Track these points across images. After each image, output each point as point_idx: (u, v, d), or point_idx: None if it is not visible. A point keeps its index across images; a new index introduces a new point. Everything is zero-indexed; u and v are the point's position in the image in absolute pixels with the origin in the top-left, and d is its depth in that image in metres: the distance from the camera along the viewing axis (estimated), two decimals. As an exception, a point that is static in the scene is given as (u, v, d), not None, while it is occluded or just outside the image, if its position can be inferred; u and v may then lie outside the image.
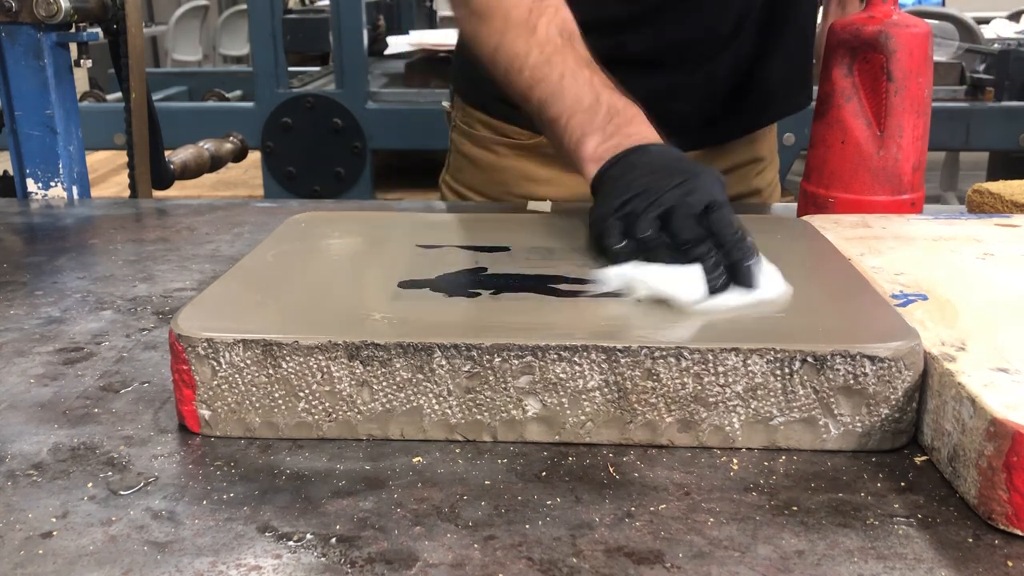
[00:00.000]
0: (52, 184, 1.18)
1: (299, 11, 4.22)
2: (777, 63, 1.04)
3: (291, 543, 0.43)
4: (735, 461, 0.51)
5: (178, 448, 0.52)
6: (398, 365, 0.52)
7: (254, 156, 2.74)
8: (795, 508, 0.46)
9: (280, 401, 0.53)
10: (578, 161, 0.73)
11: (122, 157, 1.39)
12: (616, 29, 0.96)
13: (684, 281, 0.58)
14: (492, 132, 1.06)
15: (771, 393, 0.51)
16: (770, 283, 0.59)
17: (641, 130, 0.72)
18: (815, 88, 1.17)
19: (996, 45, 3.22)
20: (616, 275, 0.61)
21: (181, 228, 0.99)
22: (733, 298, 0.58)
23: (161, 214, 1.07)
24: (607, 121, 0.73)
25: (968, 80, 2.86)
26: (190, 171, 1.60)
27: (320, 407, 0.53)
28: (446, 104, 1.19)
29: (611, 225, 0.65)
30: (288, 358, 0.52)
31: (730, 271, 0.59)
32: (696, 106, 1.01)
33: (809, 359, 0.50)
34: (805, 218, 0.80)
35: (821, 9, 1.16)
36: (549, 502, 0.47)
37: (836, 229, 0.75)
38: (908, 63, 0.81)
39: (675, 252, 0.61)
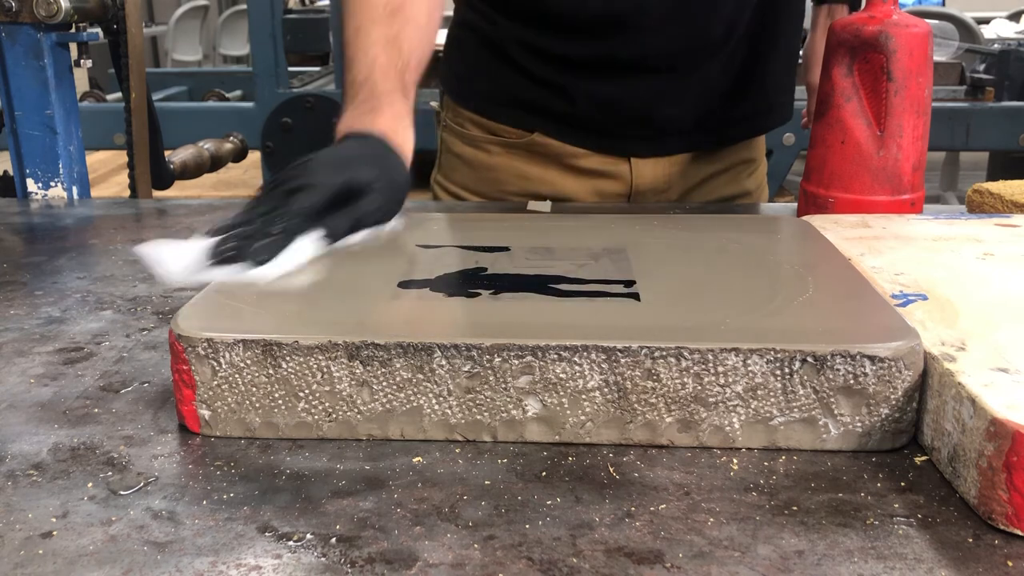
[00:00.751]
0: (52, 184, 1.18)
1: (299, 11, 4.22)
2: (768, 71, 1.04)
3: (291, 543, 0.43)
4: (735, 461, 0.51)
5: (178, 448, 0.52)
6: (398, 365, 0.52)
7: (254, 156, 2.74)
8: (795, 508, 0.46)
9: (280, 401, 0.53)
10: (337, 125, 0.79)
11: (122, 157, 1.39)
12: (607, 35, 0.96)
13: (174, 256, 0.62)
14: (483, 131, 1.06)
15: (771, 393, 0.51)
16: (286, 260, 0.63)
17: (378, 121, 0.76)
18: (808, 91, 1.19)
19: (996, 45, 3.23)
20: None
21: (181, 228, 0.99)
22: (224, 272, 0.61)
23: (161, 214, 1.07)
24: (363, 103, 0.78)
25: (968, 80, 2.87)
26: (190, 171, 1.61)
27: (320, 407, 0.53)
28: (434, 104, 1.19)
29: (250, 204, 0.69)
30: (288, 358, 0.52)
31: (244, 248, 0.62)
32: (689, 111, 1.01)
33: (809, 359, 0.50)
34: (805, 218, 0.80)
35: (811, 19, 1.16)
36: (549, 502, 0.47)
37: (836, 229, 0.75)
38: (908, 63, 0.81)
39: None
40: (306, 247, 0.64)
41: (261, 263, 0.62)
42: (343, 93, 0.81)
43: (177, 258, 0.62)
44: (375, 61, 0.79)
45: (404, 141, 0.76)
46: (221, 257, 0.62)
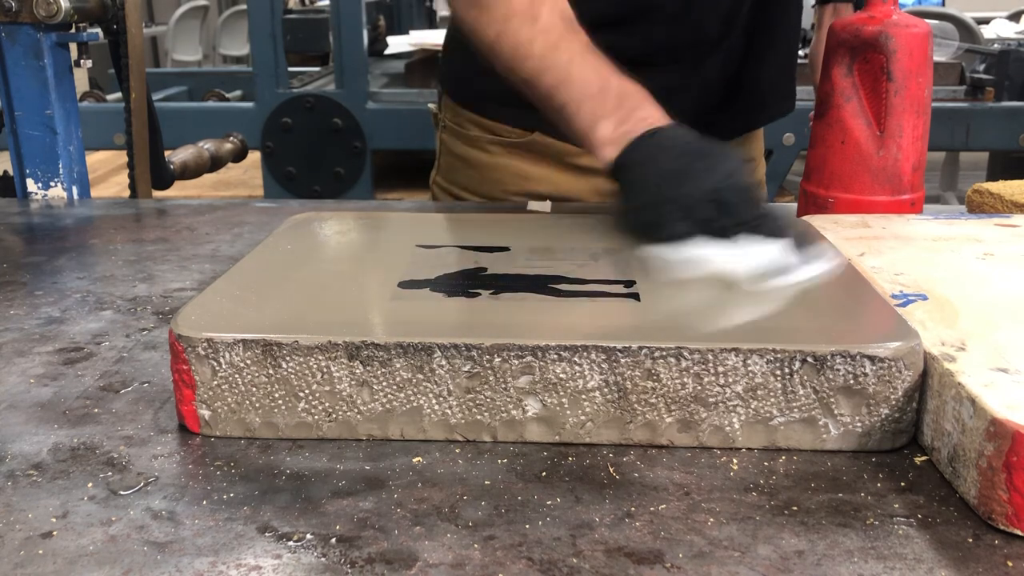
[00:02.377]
0: (52, 184, 1.18)
1: (299, 11, 4.22)
2: (767, 66, 1.04)
3: (291, 543, 0.43)
4: (735, 461, 0.51)
5: (178, 448, 0.52)
6: (398, 365, 0.52)
7: (254, 156, 2.74)
8: (795, 508, 0.46)
9: (280, 401, 0.53)
10: (592, 146, 0.74)
11: (122, 157, 1.39)
12: (606, 29, 0.96)
13: (768, 256, 0.62)
14: (483, 131, 1.06)
15: (771, 393, 0.51)
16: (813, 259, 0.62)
17: (652, 113, 0.73)
18: (807, 88, 1.19)
19: (996, 45, 3.23)
20: (687, 258, 0.63)
21: (181, 228, 0.99)
22: (793, 276, 0.61)
23: (161, 214, 1.07)
24: (618, 105, 0.73)
25: (968, 80, 2.86)
26: (190, 171, 1.60)
27: (320, 407, 0.53)
28: (432, 106, 1.19)
29: (668, 211, 0.66)
30: (288, 358, 0.52)
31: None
32: (688, 107, 1.01)
33: (809, 359, 0.50)
34: (805, 218, 0.80)
35: (815, 19, 1.16)
36: (549, 502, 0.47)
37: (836, 229, 0.75)
38: (908, 63, 0.81)
39: (733, 231, 0.63)
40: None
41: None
42: (569, 120, 0.77)
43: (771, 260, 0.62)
44: (598, 69, 0.76)
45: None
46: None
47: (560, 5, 0.80)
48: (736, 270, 0.61)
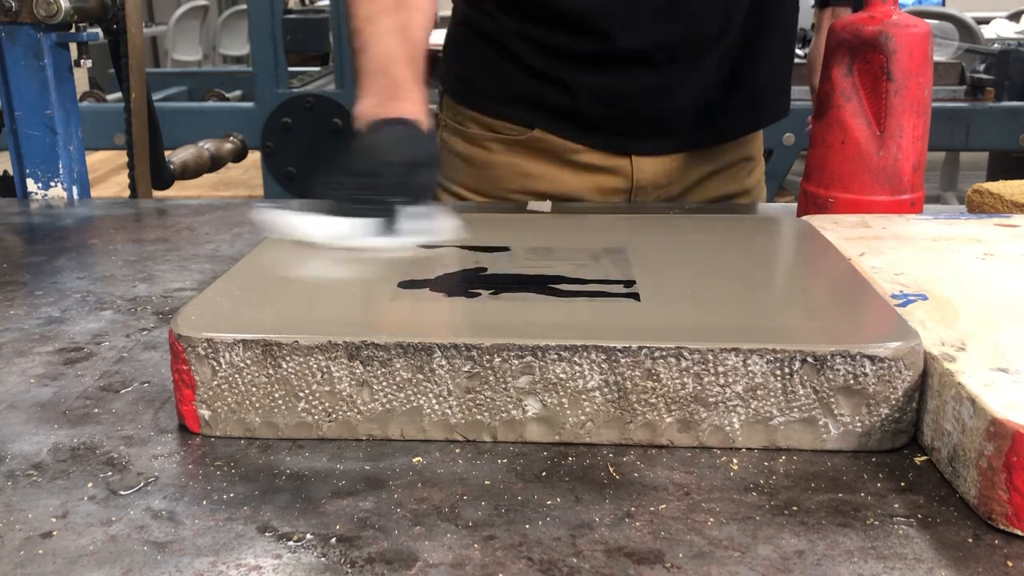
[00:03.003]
0: (52, 184, 1.18)
1: (299, 11, 4.23)
2: (764, 65, 1.04)
3: (291, 543, 0.43)
4: (735, 461, 0.51)
5: (178, 448, 0.52)
6: (398, 365, 0.52)
7: (254, 156, 2.74)
8: (795, 508, 0.46)
9: (280, 401, 0.53)
10: (354, 114, 0.82)
11: (122, 157, 1.39)
12: (605, 28, 0.96)
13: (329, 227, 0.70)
14: (483, 128, 1.07)
15: (771, 393, 0.51)
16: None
17: (405, 108, 0.80)
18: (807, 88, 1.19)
19: (996, 45, 3.23)
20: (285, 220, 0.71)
21: (181, 228, 0.99)
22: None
23: (161, 214, 1.07)
24: (384, 89, 0.81)
25: (968, 80, 2.87)
26: (190, 171, 1.61)
27: (320, 407, 0.53)
28: (432, 106, 1.19)
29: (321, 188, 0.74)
30: (288, 358, 0.52)
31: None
32: (687, 105, 1.01)
33: (809, 359, 0.50)
34: (805, 218, 0.80)
35: (815, 20, 1.16)
36: (549, 502, 0.47)
37: (836, 229, 0.75)
38: (908, 63, 0.81)
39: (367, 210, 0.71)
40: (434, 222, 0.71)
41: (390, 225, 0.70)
42: (357, 82, 0.84)
43: (307, 224, 0.70)
44: (390, 51, 0.82)
45: (424, 122, 0.80)
46: (360, 209, 0.70)
47: None
48: (316, 233, 0.69)
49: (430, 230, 0.72)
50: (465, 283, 0.62)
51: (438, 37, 1.11)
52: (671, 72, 0.99)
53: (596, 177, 1.05)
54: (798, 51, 2.42)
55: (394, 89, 0.81)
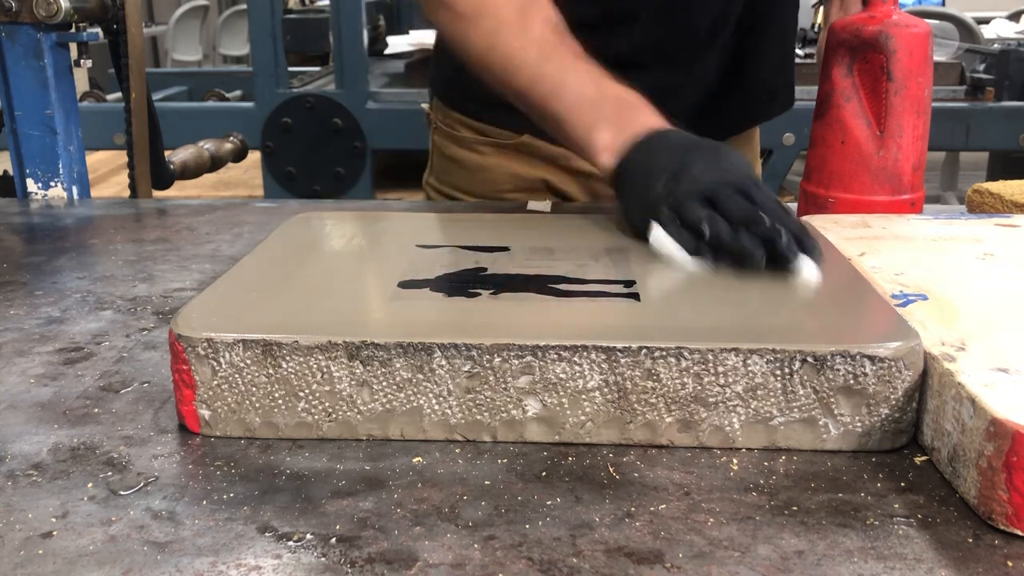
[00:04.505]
0: (52, 184, 1.18)
1: (299, 11, 4.23)
2: (761, 64, 1.04)
3: (291, 543, 0.43)
4: (735, 461, 0.51)
5: (178, 448, 0.52)
6: (398, 365, 0.52)
7: (254, 156, 2.74)
8: (795, 508, 0.46)
9: (280, 401, 0.53)
10: (591, 153, 0.74)
11: (122, 157, 1.39)
12: (597, 30, 0.96)
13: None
14: (473, 132, 1.06)
15: (771, 393, 0.51)
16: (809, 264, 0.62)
17: (650, 118, 0.72)
18: (809, 88, 1.18)
19: (996, 45, 3.23)
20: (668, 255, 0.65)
21: (181, 228, 0.99)
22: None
23: (161, 214, 1.07)
24: (616, 112, 0.73)
25: (968, 80, 2.87)
26: (190, 171, 1.60)
27: (320, 407, 0.53)
28: (425, 106, 1.19)
29: (659, 209, 0.66)
30: (288, 358, 0.52)
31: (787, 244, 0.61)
32: (681, 107, 1.01)
33: (809, 359, 0.50)
34: (805, 218, 0.80)
35: (820, 19, 1.16)
36: (549, 502, 0.47)
37: (836, 229, 0.75)
38: (908, 63, 0.81)
39: (727, 232, 0.63)
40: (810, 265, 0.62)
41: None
42: (564, 131, 0.76)
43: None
44: (591, 74, 0.76)
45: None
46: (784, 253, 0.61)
47: (549, 14, 0.79)
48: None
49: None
50: (465, 283, 0.62)
51: (429, 38, 1.10)
52: (665, 73, 0.99)
53: (589, 182, 1.04)
54: (798, 51, 2.42)
55: (627, 109, 0.73)
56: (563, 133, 0.77)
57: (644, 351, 0.50)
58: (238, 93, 3.50)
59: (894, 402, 0.50)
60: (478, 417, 0.52)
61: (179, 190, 1.75)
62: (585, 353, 0.51)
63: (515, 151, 1.04)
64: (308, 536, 0.44)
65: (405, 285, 0.61)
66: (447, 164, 1.11)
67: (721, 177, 0.65)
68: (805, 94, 1.17)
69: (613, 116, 0.73)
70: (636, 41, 0.96)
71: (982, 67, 2.90)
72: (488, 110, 1.04)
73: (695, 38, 0.98)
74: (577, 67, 0.76)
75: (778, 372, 0.50)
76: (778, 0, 1.03)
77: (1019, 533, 0.43)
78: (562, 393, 0.51)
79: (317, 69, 3.60)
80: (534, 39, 0.77)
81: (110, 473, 0.49)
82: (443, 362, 0.51)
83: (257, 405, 0.53)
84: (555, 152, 1.03)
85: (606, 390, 0.51)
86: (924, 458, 0.50)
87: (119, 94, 1.50)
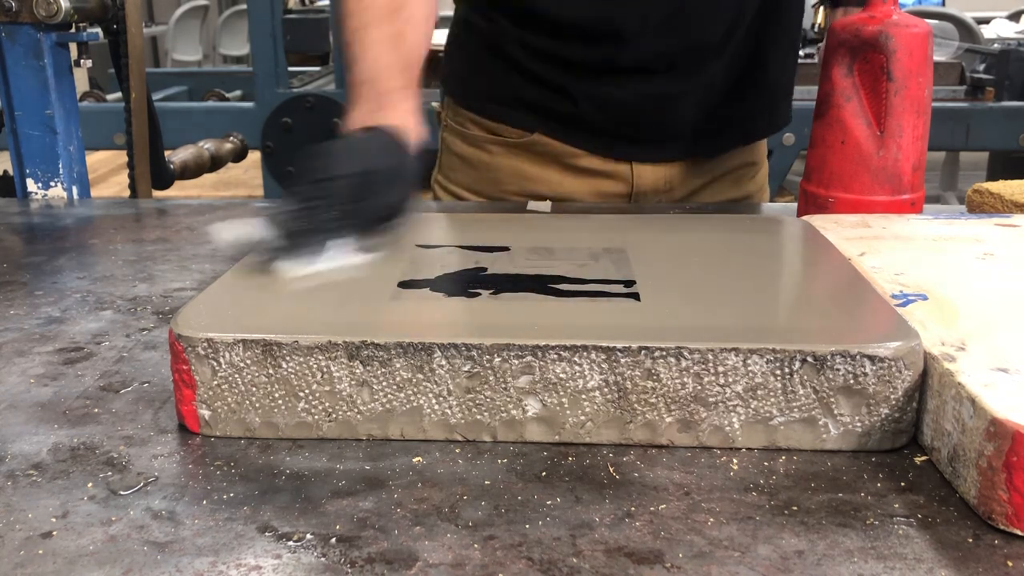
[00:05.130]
0: (52, 184, 1.18)
1: (299, 11, 4.23)
2: (770, 72, 1.04)
3: (291, 543, 0.43)
4: (735, 461, 0.51)
5: (178, 448, 0.52)
6: (398, 365, 0.52)
7: (254, 156, 2.74)
8: (795, 508, 0.46)
9: (280, 401, 0.53)
10: (343, 123, 0.79)
11: (122, 157, 1.39)
12: (606, 40, 0.96)
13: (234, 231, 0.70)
14: (483, 131, 1.06)
15: (771, 393, 0.51)
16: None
17: (390, 115, 0.77)
18: (809, 88, 1.18)
19: (996, 45, 3.23)
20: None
21: (181, 228, 0.99)
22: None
23: (161, 214, 1.07)
24: (371, 98, 0.79)
25: (968, 80, 2.87)
26: (190, 171, 1.61)
27: (320, 407, 0.53)
28: (435, 104, 1.19)
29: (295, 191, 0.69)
30: (288, 358, 0.52)
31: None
32: (689, 113, 1.01)
33: (809, 359, 0.50)
34: (805, 218, 0.80)
35: (821, 13, 1.16)
36: (549, 502, 0.47)
37: (836, 229, 0.75)
38: (908, 63, 0.81)
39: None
40: (344, 253, 0.66)
41: (301, 259, 0.64)
42: (347, 94, 0.82)
43: (234, 231, 0.70)
44: (378, 60, 0.80)
45: (415, 135, 0.77)
46: (268, 253, 0.65)
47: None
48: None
49: (334, 259, 0.66)
50: (465, 283, 0.62)
51: (440, 37, 1.10)
52: (673, 80, 0.99)
53: (596, 181, 1.04)
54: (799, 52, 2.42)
55: (381, 99, 0.79)
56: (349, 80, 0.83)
57: (644, 351, 0.50)
58: (238, 93, 3.50)
59: (894, 402, 0.50)
60: (478, 417, 0.52)
61: (179, 190, 1.75)
62: (585, 353, 0.51)
63: (524, 150, 1.04)
64: (308, 536, 0.44)
65: (405, 285, 0.61)
66: (455, 162, 1.11)
67: (307, 169, 0.70)
68: (805, 94, 1.17)
69: (365, 103, 0.78)
70: (646, 49, 0.96)
71: (982, 67, 2.90)
72: (499, 108, 1.05)
73: (705, 45, 0.98)
74: (376, 47, 0.81)
75: (778, 372, 0.50)
76: (786, 8, 1.03)
77: (1019, 533, 0.43)
78: (562, 393, 0.51)
79: (317, 69, 3.61)
80: (364, 6, 0.83)
81: (110, 473, 0.49)
82: (443, 362, 0.51)
83: (257, 405, 0.53)
84: (564, 151, 1.03)
85: (606, 390, 0.51)
86: (924, 458, 0.50)
87: (119, 94, 1.51)
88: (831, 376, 0.50)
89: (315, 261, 0.64)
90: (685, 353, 0.50)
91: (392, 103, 0.79)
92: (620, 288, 0.61)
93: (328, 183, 0.68)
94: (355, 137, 0.75)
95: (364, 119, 0.77)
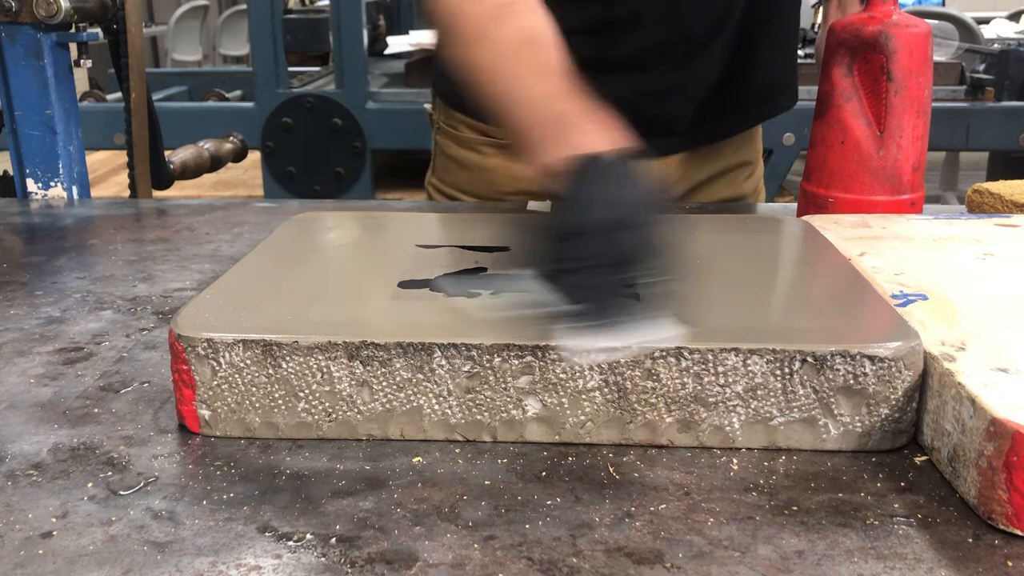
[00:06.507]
0: (52, 184, 1.18)
1: (299, 11, 4.22)
2: (763, 62, 1.04)
3: (291, 543, 0.43)
4: (735, 461, 0.51)
5: (178, 448, 0.52)
6: (398, 365, 0.52)
7: (254, 156, 2.74)
8: (795, 508, 0.46)
9: (280, 401, 0.53)
10: (535, 175, 0.67)
11: (122, 157, 1.39)
12: (599, 33, 0.96)
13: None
14: (476, 133, 1.06)
15: (771, 393, 0.51)
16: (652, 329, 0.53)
17: (584, 140, 0.62)
18: (809, 88, 1.18)
19: (996, 45, 3.23)
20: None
21: (181, 228, 0.99)
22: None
23: (161, 214, 1.07)
24: (555, 131, 0.65)
25: (968, 80, 2.86)
26: (190, 171, 1.60)
27: (320, 407, 0.53)
28: (428, 106, 1.19)
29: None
30: (288, 358, 0.52)
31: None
32: (681, 107, 1.01)
33: (809, 359, 0.50)
34: (805, 218, 0.80)
35: (820, 13, 1.16)
36: (549, 502, 0.47)
37: (836, 229, 0.75)
38: (908, 63, 0.81)
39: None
40: (665, 327, 0.53)
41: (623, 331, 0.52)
42: (515, 141, 0.70)
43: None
44: (533, 92, 0.69)
45: (613, 137, 0.62)
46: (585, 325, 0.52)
47: (522, 24, 0.73)
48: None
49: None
50: (465, 283, 0.62)
51: (430, 38, 1.10)
52: (666, 72, 0.99)
53: None
54: (799, 51, 2.42)
55: (563, 127, 0.64)
56: (516, 147, 0.70)
57: (644, 351, 0.50)
58: (238, 93, 3.49)
59: (894, 402, 0.50)
60: (478, 417, 0.52)
61: (179, 190, 1.75)
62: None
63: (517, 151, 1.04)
64: (308, 536, 0.44)
65: (405, 285, 0.61)
66: (449, 164, 1.11)
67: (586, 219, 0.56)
68: (805, 94, 1.17)
69: (551, 139, 0.64)
70: (638, 43, 0.96)
71: (982, 67, 2.90)
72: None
73: (697, 38, 0.98)
74: (529, 83, 0.70)
75: (778, 372, 0.50)
76: (776, 3, 1.03)
77: (1019, 533, 0.43)
78: (562, 393, 0.51)
79: (317, 69, 3.60)
80: (498, 51, 0.73)
81: (110, 473, 0.49)
82: (443, 362, 0.51)
83: (257, 405, 0.53)
84: None
85: (606, 390, 0.51)
86: (924, 458, 0.50)
87: (119, 94, 1.51)
88: (831, 376, 0.50)
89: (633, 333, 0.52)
90: (685, 353, 0.50)
91: (582, 126, 0.64)
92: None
93: (590, 239, 0.54)
94: (571, 176, 0.59)
95: (550, 158, 0.62)
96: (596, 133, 0.63)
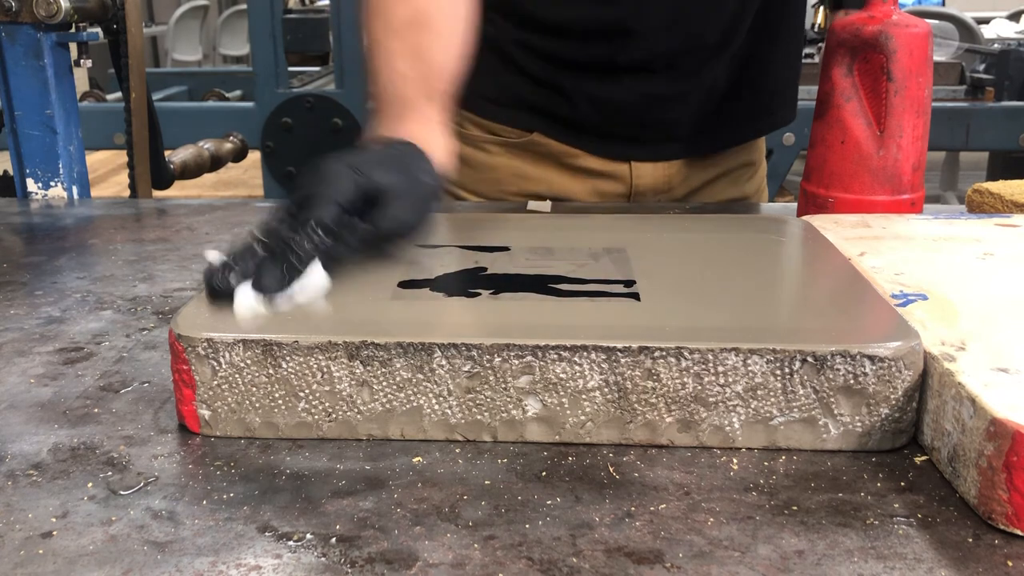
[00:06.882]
0: (52, 184, 1.18)
1: (299, 11, 4.23)
2: (771, 72, 1.04)
3: (291, 543, 0.43)
4: (735, 461, 0.51)
5: (178, 448, 0.52)
6: (398, 365, 0.52)
7: (254, 156, 2.74)
8: (795, 508, 0.46)
9: (280, 401, 0.53)
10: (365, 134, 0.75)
11: (122, 157, 1.39)
12: (605, 40, 0.96)
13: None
14: (482, 131, 1.07)
15: (771, 393, 0.51)
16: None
17: (404, 128, 0.70)
18: (809, 88, 1.18)
19: (996, 45, 3.23)
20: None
21: (181, 228, 0.99)
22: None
23: (161, 214, 1.07)
24: (387, 112, 0.74)
25: (968, 80, 2.87)
26: (190, 171, 1.61)
27: (320, 407, 0.53)
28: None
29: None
30: (288, 358, 0.52)
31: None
32: (689, 113, 1.01)
33: (809, 359, 0.50)
34: (805, 218, 0.80)
35: (820, 13, 1.16)
36: (549, 502, 0.47)
37: (836, 229, 0.75)
38: (908, 63, 0.81)
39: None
40: (317, 279, 0.54)
41: (271, 293, 0.53)
42: (369, 109, 0.78)
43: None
44: (394, 73, 0.76)
45: (434, 146, 0.68)
46: (221, 287, 0.52)
47: (416, 5, 0.79)
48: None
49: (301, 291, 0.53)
50: (465, 283, 0.62)
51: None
52: (673, 80, 0.99)
53: (595, 181, 1.04)
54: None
55: (398, 109, 0.73)
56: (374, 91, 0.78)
57: (644, 351, 0.50)
58: (238, 93, 3.50)
59: (894, 402, 0.50)
60: (478, 417, 0.52)
61: (179, 190, 1.75)
62: (585, 353, 0.51)
63: (523, 149, 1.04)
64: (308, 536, 0.44)
65: (405, 285, 0.61)
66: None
67: (297, 188, 0.59)
68: (805, 94, 1.17)
69: (384, 117, 0.73)
70: (646, 50, 0.96)
71: (982, 67, 2.90)
72: (497, 108, 1.05)
73: (705, 46, 0.98)
74: (392, 62, 0.76)
75: (778, 372, 0.50)
76: (787, 8, 1.03)
77: (1019, 533, 0.43)
78: (562, 393, 0.51)
79: (317, 69, 3.61)
80: (384, 24, 0.78)
81: (110, 473, 0.50)
82: (443, 362, 0.51)
83: (257, 405, 0.53)
84: (563, 150, 1.03)
85: (606, 390, 0.51)
86: (924, 458, 0.50)
87: (119, 94, 1.51)
88: (831, 376, 0.50)
89: (281, 293, 0.52)
90: (685, 353, 0.50)
91: (409, 111, 0.73)
92: (620, 288, 0.61)
93: (312, 205, 0.57)
94: (368, 149, 0.67)
95: (379, 131, 0.73)
96: (422, 131, 0.69)
